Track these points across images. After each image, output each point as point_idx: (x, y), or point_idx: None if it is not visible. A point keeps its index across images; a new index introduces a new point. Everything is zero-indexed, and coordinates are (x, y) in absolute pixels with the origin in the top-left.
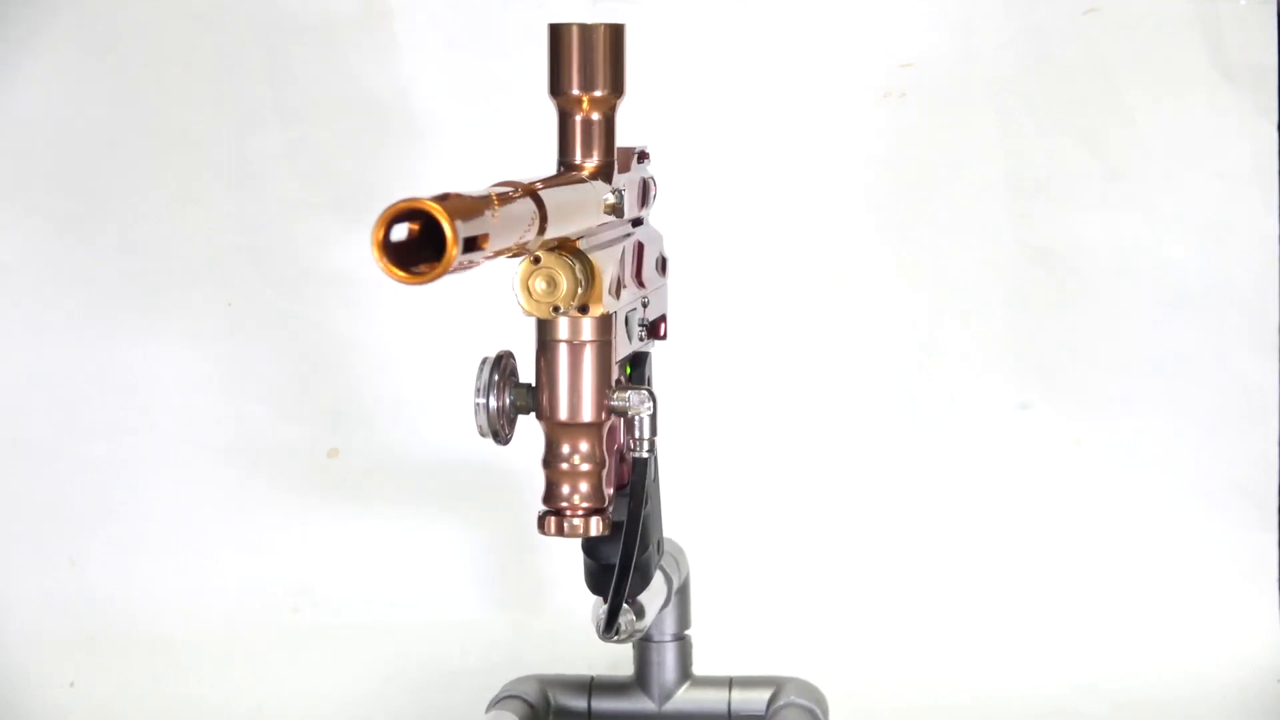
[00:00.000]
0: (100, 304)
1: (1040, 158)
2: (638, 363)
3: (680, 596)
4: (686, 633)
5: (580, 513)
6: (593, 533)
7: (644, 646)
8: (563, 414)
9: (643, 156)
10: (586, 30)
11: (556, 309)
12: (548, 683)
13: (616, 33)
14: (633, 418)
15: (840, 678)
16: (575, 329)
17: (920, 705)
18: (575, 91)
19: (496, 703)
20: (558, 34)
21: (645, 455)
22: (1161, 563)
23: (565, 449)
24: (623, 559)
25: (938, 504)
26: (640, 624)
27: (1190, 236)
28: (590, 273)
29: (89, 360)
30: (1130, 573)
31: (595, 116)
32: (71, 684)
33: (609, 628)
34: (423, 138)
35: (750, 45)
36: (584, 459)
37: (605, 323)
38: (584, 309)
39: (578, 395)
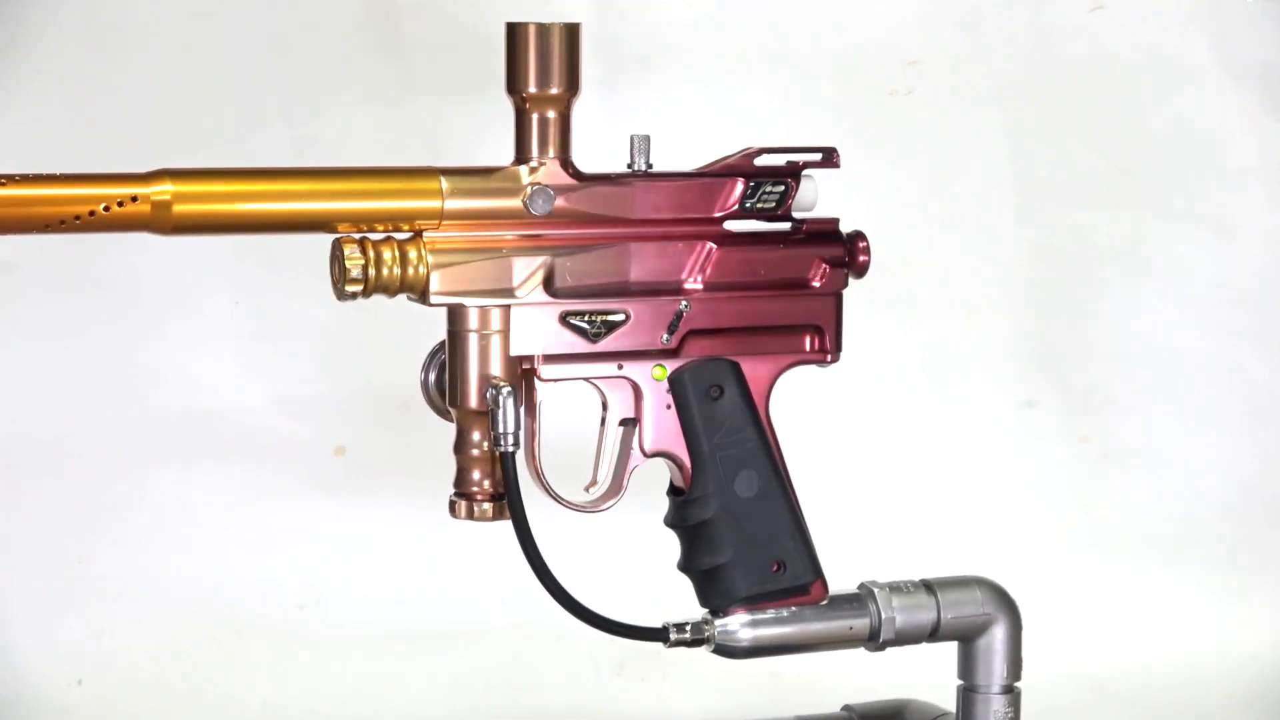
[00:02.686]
0: (106, 302)
1: (1047, 155)
2: (683, 370)
3: (1010, 647)
4: (1016, 685)
5: (489, 497)
6: (490, 517)
7: (968, 695)
8: (458, 401)
9: (796, 163)
10: (543, 29)
11: (345, 292)
12: (911, 708)
13: (572, 32)
14: (493, 412)
15: (839, 670)
16: (473, 319)
17: (923, 699)
18: (532, 89)
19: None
20: (514, 33)
21: (509, 450)
22: (1167, 559)
23: (474, 435)
24: (525, 553)
25: (943, 500)
26: (734, 636)
27: (1197, 234)
28: (400, 260)
29: (95, 359)
30: (1136, 569)
31: (551, 114)
32: (79, 682)
33: (566, 608)
34: (426, 135)
35: (758, 43)
36: (491, 446)
37: (502, 314)
38: (424, 297)
39: (470, 384)
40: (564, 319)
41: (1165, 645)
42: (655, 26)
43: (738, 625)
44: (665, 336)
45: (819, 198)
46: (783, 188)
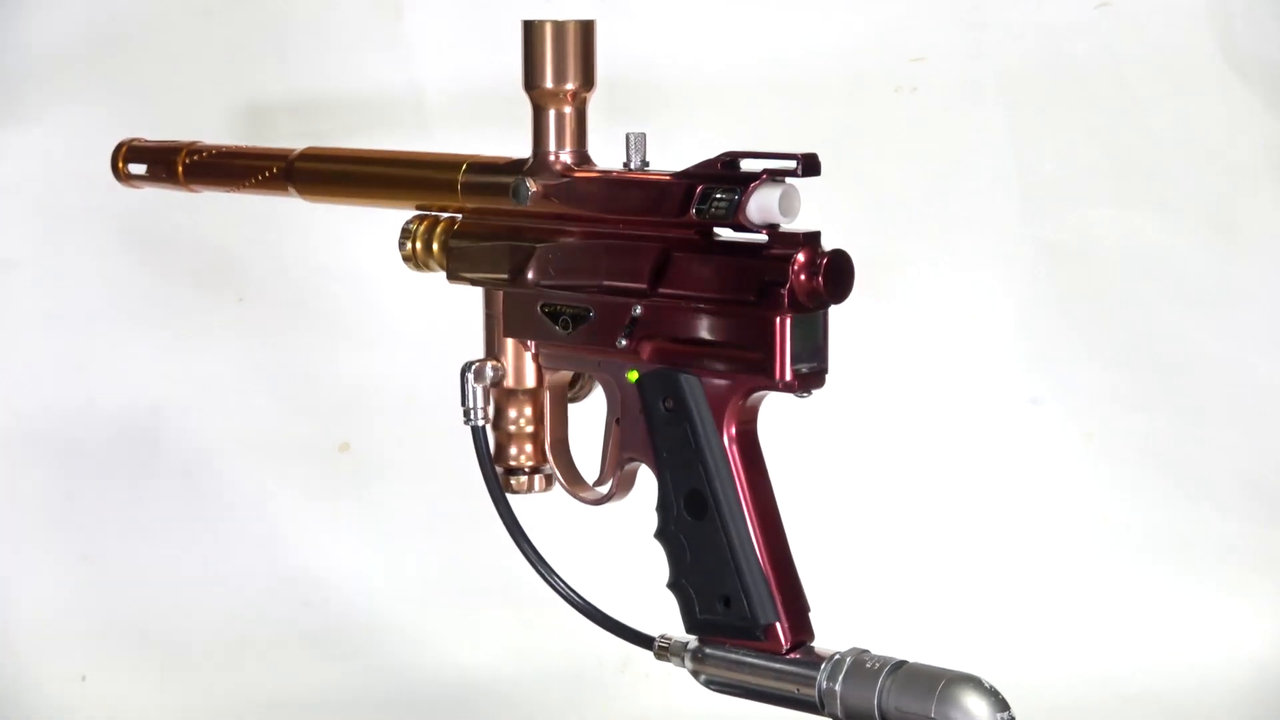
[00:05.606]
0: (110, 299)
1: (1051, 153)
2: (644, 377)
3: None
4: None
5: (525, 470)
6: (536, 490)
7: None
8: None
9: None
10: (559, 26)
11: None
12: None
13: (587, 28)
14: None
15: None
16: (492, 302)
17: None
18: (548, 85)
19: None
20: (530, 30)
21: (475, 424)
22: (1170, 557)
23: (511, 412)
24: (506, 526)
25: (947, 497)
26: (692, 665)
27: (1200, 232)
28: (425, 239)
29: (99, 355)
30: (1138, 566)
31: (567, 110)
32: (83, 678)
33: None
34: (433, 132)
35: (762, 40)
36: (528, 422)
37: (493, 297)
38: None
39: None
40: (542, 308)
41: (1170, 644)
42: (653, 23)
43: (694, 655)
44: (622, 340)
45: (793, 208)
46: (734, 195)
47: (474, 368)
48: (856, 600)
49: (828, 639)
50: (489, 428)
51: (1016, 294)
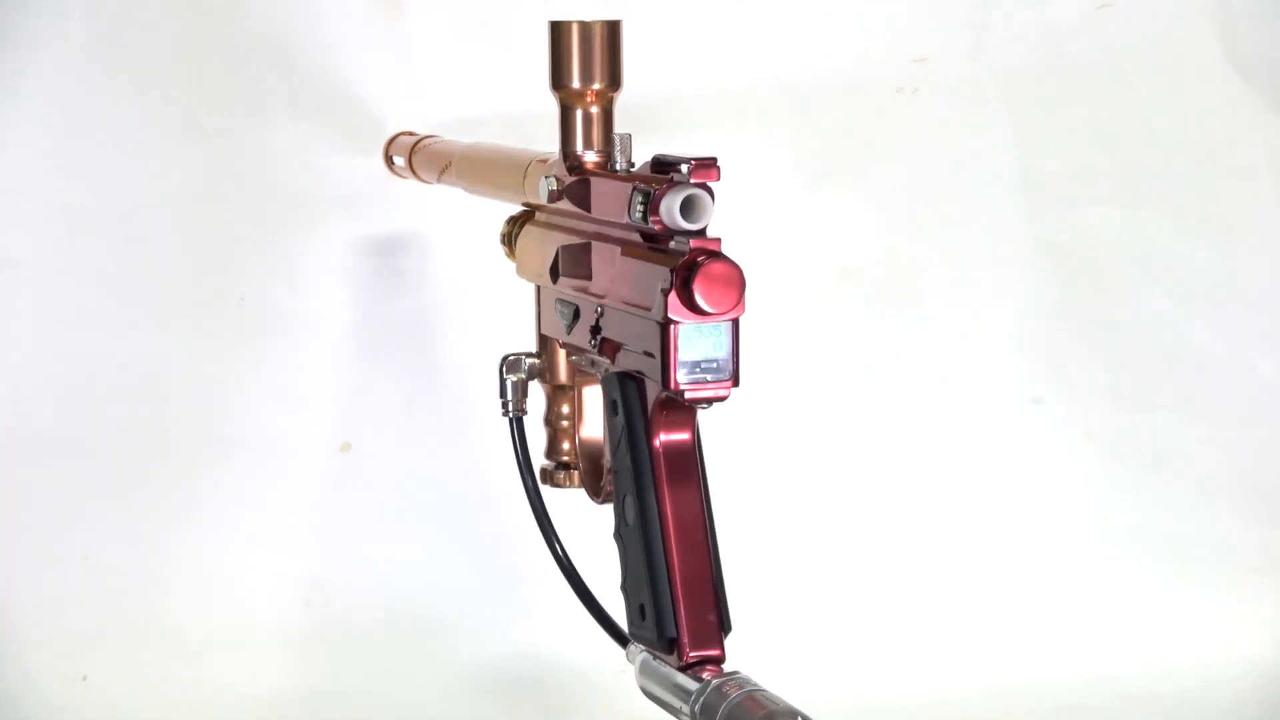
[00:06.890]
0: (111, 298)
1: (1052, 153)
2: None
3: None
4: None
5: (570, 465)
6: (576, 484)
7: None
8: (545, 375)
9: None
10: (585, 27)
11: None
12: None
13: (614, 29)
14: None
15: (847, 671)
16: (534, 294)
17: (929, 699)
18: (576, 85)
19: None
20: (558, 30)
21: (510, 416)
22: (1171, 556)
23: (563, 408)
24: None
25: (949, 498)
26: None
27: (1202, 231)
28: (508, 235)
29: (101, 354)
30: (1140, 566)
31: (594, 109)
32: (84, 678)
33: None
34: (435, 131)
35: (763, 40)
36: (563, 418)
37: (537, 292)
38: None
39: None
40: (555, 305)
41: (1170, 644)
42: (655, 22)
43: (635, 660)
44: (591, 340)
45: (700, 212)
46: (649, 199)
47: (509, 361)
48: (854, 600)
49: (824, 640)
50: (527, 420)
51: (1017, 294)
